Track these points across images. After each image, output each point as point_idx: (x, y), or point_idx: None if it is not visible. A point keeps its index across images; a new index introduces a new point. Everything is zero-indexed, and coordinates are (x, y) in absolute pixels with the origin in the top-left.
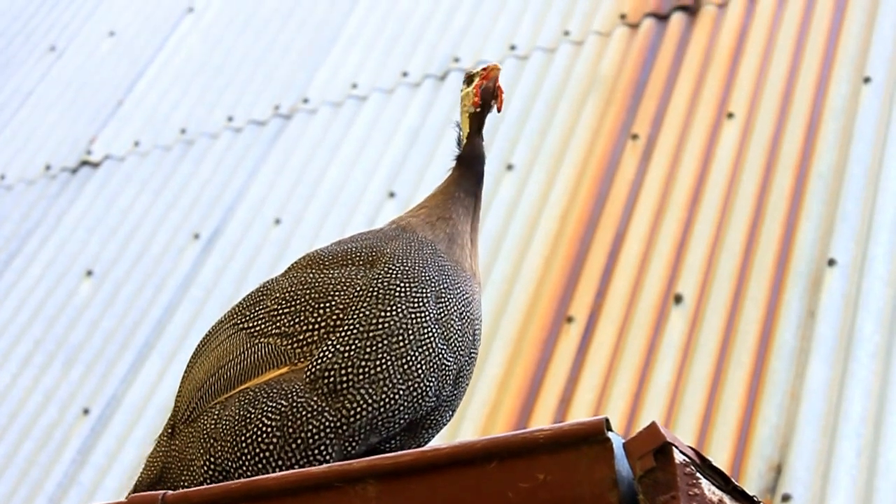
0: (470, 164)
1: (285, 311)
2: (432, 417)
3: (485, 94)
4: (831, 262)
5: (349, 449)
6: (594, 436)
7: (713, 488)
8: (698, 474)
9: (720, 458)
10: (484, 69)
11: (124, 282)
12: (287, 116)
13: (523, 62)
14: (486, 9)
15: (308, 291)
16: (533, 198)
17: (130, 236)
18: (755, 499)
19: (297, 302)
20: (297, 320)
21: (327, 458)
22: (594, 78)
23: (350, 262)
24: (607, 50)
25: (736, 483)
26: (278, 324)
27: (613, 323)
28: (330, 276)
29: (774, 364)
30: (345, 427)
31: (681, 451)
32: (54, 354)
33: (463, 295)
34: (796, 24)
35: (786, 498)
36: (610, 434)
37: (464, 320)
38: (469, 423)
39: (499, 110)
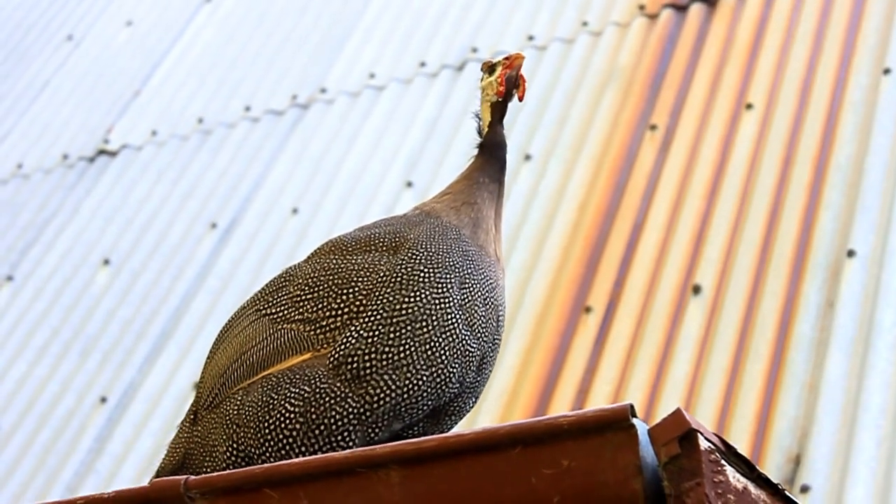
0: (493, 151)
1: (308, 296)
2: (456, 404)
3: (508, 83)
4: (850, 253)
5: (372, 435)
6: (619, 422)
7: (738, 475)
8: (723, 461)
9: (739, 449)
10: (507, 58)
11: (141, 271)
12: (305, 106)
13: (542, 53)
14: None
15: (331, 277)
16: (551, 188)
17: (148, 226)
18: (779, 486)
19: (321, 288)
20: (320, 306)
21: (350, 444)
22: (613, 69)
23: (374, 247)
24: (626, 41)
25: (760, 470)
26: (301, 310)
27: (631, 313)
28: (353, 261)
29: (793, 355)
30: (368, 413)
31: (706, 438)
32: (71, 343)
33: (487, 280)
34: (816, 15)
35: (805, 489)
36: (634, 420)
37: (488, 306)
38: (486, 413)
39: (520, 99)
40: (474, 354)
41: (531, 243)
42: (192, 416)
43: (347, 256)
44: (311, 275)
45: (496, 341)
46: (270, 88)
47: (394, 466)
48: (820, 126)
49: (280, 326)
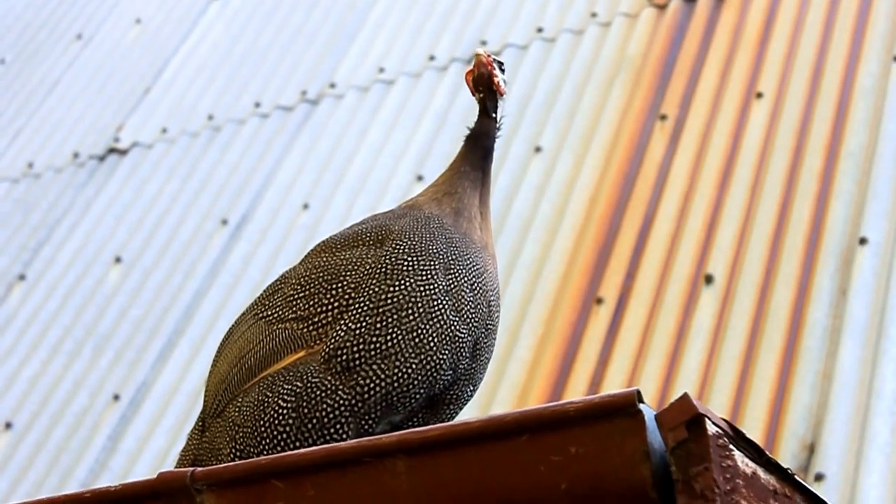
0: (476, 141)
1: (300, 295)
2: (452, 392)
3: (478, 83)
4: (862, 241)
5: (366, 427)
6: (626, 408)
7: (746, 460)
8: (731, 446)
9: (752, 437)
10: (476, 59)
11: (153, 268)
12: (314, 102)
13: (550, 44)
14: None
15: (321, 274)
16: (561, 180)
17: (159, 223)
18: (789, 471)
19: (312, 285)
20: (311, 303)
21: (344, 436)
22: (622, 59)
23: (360, 242)
24: (635, 31)
25: (769, 455)
26: (294, 308)
27: (643, 304)
28: (341, 257)
29: (806, 343)
30: (360, 404)
31: (713, 423)
32: (84, 341)
33: (474, 266)
34: (825, 3)
35: (819, 477)
36: (641, 406)
37: (476, 291)
38: (499, 405)
39: (500, 94)
40: (464, 340)
41: (542, 235)
42: (200, 425)
43: (336, 253)
44: (303, 274)
45: (489, 327)
46: (280, 84)
47: (400, 455)
48: (830, 114)
49: (275, 327)
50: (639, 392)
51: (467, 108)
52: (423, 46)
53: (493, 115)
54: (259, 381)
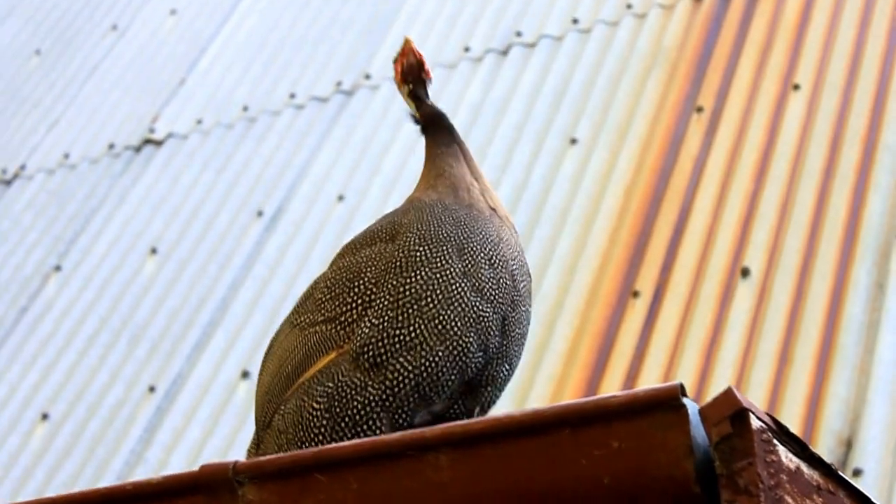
0: (434, 123)
1: (327, 297)
2: (488, 373)
3: (409, 72)
4: None
5: (400, 420)
6: (669, 402)
7: (790, 455)
8: (775, 441)
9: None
10: (401, 50)
11: (188, 260)
12: (349, 93)
13: (586, 36)
14: None
15: (344, 274)
16: (597, 172)
17: (194, 214)
18: (832, 466)
19: (337, 286)
20: (337, 303)
21: (378, 432)
22: (658, 51)
23: (377, 239)
24: (671, 22)
25: (813, 450)
26: (323, 311)
27: (680, 297)
28: (361, 256)
29: (843, 338)
30: (391, 399)
31: (758, 418)
32: (119, 333)
33: (487, 239)
34: None
35: (857, 472)
36: (685, 400)
37: (495, 266)
38: (535, 398)
39: (429, 78)
40: (490, 318)
41: (578, 228)
42: (255, 439)
43: (356, 253)
44: (330, 276)
45: (516, 299)
46: (315, 75)
47: (443, 449)
48: (868, 106)
49: (307, 332)
50: (682, 386)
51: (502, 99)
52: (457, 37)
53: (428, 99)
54: (297, 388)
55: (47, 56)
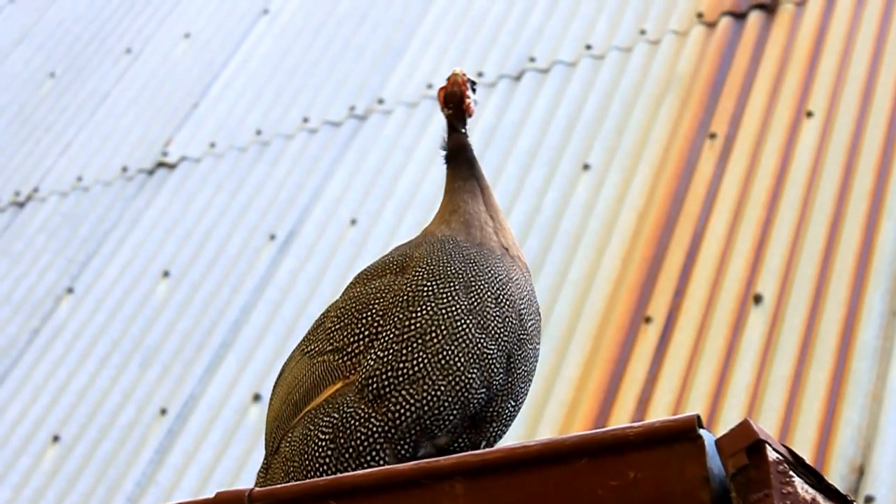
0: (457, 155)
1: (337, 327)
2: (492, 409)
3: (450, 99)
4: None
5: (402, 452)
6: (686, 433)
7: (806, 486)
8: (791, 472)
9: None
10: (451, 77)
11: (201, 283)
12: (362, 117)
13: (599, 62)
14: (562, 8)
15: (353, 304)
16: (610, 197)
17: (207, 237)
18: (848, 497)
19: (346, 317)
20: (345, 333)
21: (381, 463)
22: (671, 77)
23: (388, 271)
24: (684, 49)
25: (829, 482)
26: (332, 340)
27: (692, 323)
28: (371, 287)
29: (856, 364)
30: (393, 430)
31: (774, 449)
32: (131, 355)
33: (495, 277)
34: (876, 21)
35: (869, 499)
36: (702, 431)
37: (502, 304)
38: (547, 424)
39: (469, 114)
40: (493, 356)
41: (590, 253)
42: (264, 464)
43: (367, 284)
44: (341, 306)
45: (523, 337)
46: (328, 99)
47: (458, 478)
48: (882, 133)
49: (315, 361)
50: (699, 417)
51: (515, 124)
52: (471, 63)
53: (463, 130)
54: (304, 416)
55: (61, 79)
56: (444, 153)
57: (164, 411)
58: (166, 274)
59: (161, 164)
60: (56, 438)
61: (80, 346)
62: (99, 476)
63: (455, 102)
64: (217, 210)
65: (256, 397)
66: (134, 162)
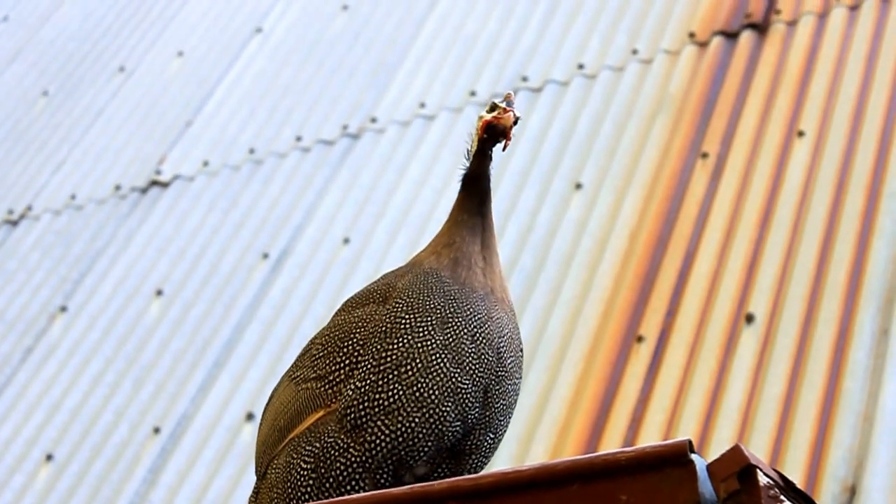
0: (473, 184)
1: (321, 354)
2: (470, 442)
3: (491, 132)
4: None
5: (381, 482)
6: (677, 458)
7: None
8: (783, 497)
9: (793, 479)
10: (504, 109)
11: (194, 301)
12: (355, 136)
13: (591, 81)
14: (554, 28)
15: (337, 332)
16: (602, 217)
17: (200, 256)
18: None
19: (329, 344)
20: (328, 361)
21: (360, 492)
22: (663, 97)
23: (370, 300)
24: (676, 68)
25: None
26: (315, 367)
27: (684, 342)
28: (354, 315)
29: (848, 384)
30: (370, 461)
31: (765, 474)
32: (125, 373)
33: (473, 315)
34: (867, 41)
35: None
36: (693, 456)
37: (478, 341)
38: (539, 444)
39: (503, 148)
40: (468, 391)
41: (582, 272)
42: (255, 488)
43: (352, 312)
44: (326, 333)
45: (501, 374)
46: (321, 118)
47: (451, 502)
48: (873, 153)
49: (300, 387)
50: (690, 442)
51: (509, 144)
52: (464, 82)
53: (489, 157)
54: (288, 443)
55: (55, 97)
56: (462, 172)
57: (157, 430)
58: (159, 292)
59: (154, 183)
60: (49, 457)
61: (74, 364)
62: (92, 495)
63: (497, 135)
64: (210, 228)
65: (249, 416)
66: (127, 180)
